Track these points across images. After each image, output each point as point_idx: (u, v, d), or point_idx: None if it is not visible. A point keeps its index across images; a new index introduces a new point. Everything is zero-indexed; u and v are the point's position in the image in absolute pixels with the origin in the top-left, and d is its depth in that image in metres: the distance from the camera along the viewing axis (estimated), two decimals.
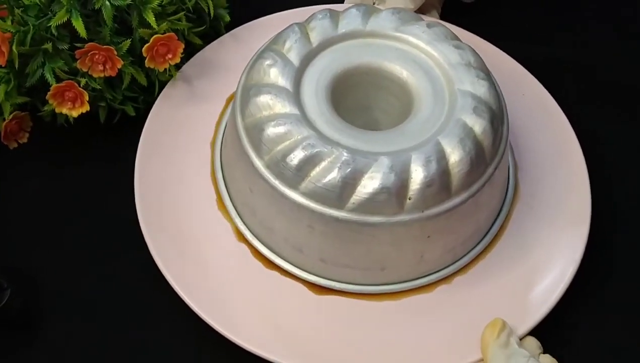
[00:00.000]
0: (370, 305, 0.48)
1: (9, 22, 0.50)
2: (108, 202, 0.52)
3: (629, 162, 0.57)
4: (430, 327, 0.47)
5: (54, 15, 0.49)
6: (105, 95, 0.53)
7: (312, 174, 0.44)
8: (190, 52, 0.56)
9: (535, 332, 0.46)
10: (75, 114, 0.51)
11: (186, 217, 0.50)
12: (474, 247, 0.49)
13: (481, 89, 0.47)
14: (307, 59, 0.48)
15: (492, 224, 0.50)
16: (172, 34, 0.52)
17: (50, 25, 0.49)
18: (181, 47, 0.52)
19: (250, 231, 0.49)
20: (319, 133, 0.45)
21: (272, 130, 0.45)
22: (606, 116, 0.59)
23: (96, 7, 0.50)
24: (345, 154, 0.44)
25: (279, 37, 0.49)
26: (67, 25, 0.50)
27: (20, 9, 0.50)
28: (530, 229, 0.51)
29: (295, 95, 0.47)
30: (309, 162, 0.44)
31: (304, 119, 0.46)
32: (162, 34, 0.51)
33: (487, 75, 0.48)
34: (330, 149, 0.44)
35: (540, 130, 0.55)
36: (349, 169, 0.43)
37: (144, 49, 0.51)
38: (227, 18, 0.58)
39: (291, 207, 0.45)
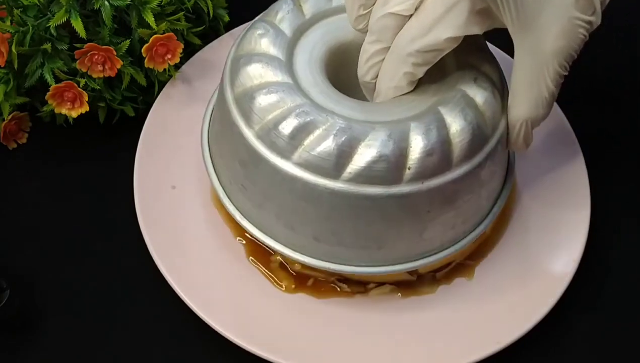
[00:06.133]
0: (369, 306, 0.48)
1: (8, 23, 0.50)
2: (107, 202, 0.52)
3: (629, 162, 0.57)
4: (430, 327, 0.47)
5: (53, 16, 0.49)
6: (104, 96, 0.53)
7: (305, 143, 0.42)
8: (189, 52, 0.56)
9: (534, 332, 0.46)
10: (74, 114, 0.51)
11: (186, 216, 0.50)
12: (474, 228, 0.48)
13: (481, 60, 0.45)
14: (300, 31, 0.47)
15: (492, 207, 0.49)
16: (172, 34, 0.52)
17: (50, 26, 0.49)
18: (180, 47, 0.52)
19: (240, 211, 0.47)
20: (313, 102, 0.44)
21: (263, 98, 0.43)
22: (606, 116, 0.59)
23: (95, 7, 0.50)
24: (341, 122, 0.42)
25: (271, 9, 0.48)
26: (66, 25, 0.50)
27: (19, 9, 0.50)
28: (529, 230, 0.51)
29: (288, 65, 0.45)
30: (303, 130, 0.42)
31: (297, 87, 0.44)
32: (161, 34, 0.51)
33: (486, 48, 0.47)
34: (325, 116, 0.42)
35: (539, 130, 0.54)
36: (345, 136, 0.41)
37: (143, 49, 0.51)
38: (227, 18, 0.58)
39: (284, 179, 0.43)
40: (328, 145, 0.42)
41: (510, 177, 0.49)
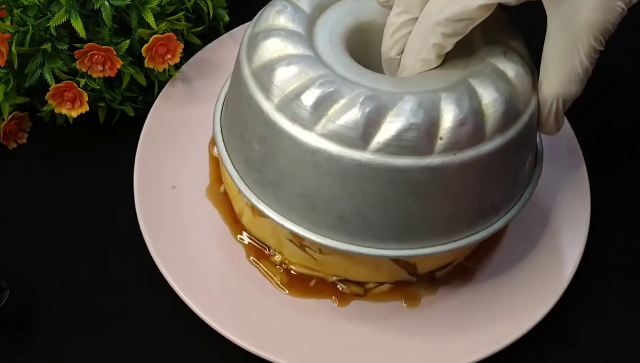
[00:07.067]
0: (369, 306, 0.48)
1: (8, 23, 0.50)
2: (107, 202, 0.52)
3: (629, 162, 0.57)
4: (430, 327, 0.47)
5: (53, 16, 0.49)
6: (104, 96, 0.53)
7: (330, 113, 0.39)
8: (189, 52, 0.56)
9: (535, 332, 0.46)
10: (74, 114, 0.51)
11: (186, 216, 0.50)
12: (504, 214, 0.45)
13: (509, 37, 0.44)
14: (319, 9, 0.45)
15: (522, 194, 0.46)
16: (172, 34, 0.52)
17: (50, 26, 0.49)
18: (180, 47, 0.52)
19: (256, 195, 0.44)
20: (336, 73, 0.41)
21: (284, 70, 0.41)
22: (607, 116, 0.59)
23: (95, 7, 0.50)
24: (367, 91, 0.40)
25: None
26: (66, 25, 0.50)
27: (19, 9, 0.50)
28: (529, 230, 0.51)
29: (308, 40, 0.43)
30: (327, 100, 0.40)
31: (319, 60, 0.42)
32: (161, 34, 0.51)
33: (512, 26, 0.45)
34: (350, 86, 0.40)
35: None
36: (372, 105, 0.39)
37: (143, 49, 0.51)
38: (227, 18, 0.58)
39: (306, 153, 0.40)
40: (354, 114, 0.39)
41: (538, 165, 0.47)
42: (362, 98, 0.39)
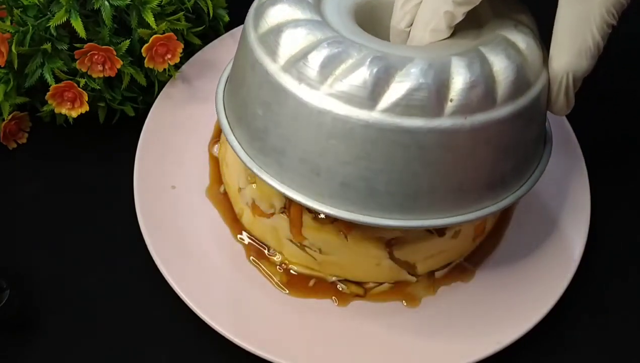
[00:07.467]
0: (369, 306, 0.48)
1: (8, 23, 0.50)
2: (107, 202, 0.52)
3: (629, 162, 0.57)
4: (430, 327, 0.47)
5: (53, 16, 0.49)
6: (104, 96, 0.53)
7: (337, 72, 0.39)
8: (189, 52, 0.56)
9: (535, 332, 0.46)
10: (74, 114, 0.51)
11: (186, 216, 0.50)
12: (513, 191, 0.44)
13: (518, 12, 0.44)
14: None
15: (531, 173, 0.45)
16: (172, 34, 0.52)
17: (50, 26, 0.49)
18: (180, 47, 0.52)
19: (258, 165, 0.43)
20: (345, 37, 0.40)
21: (291, 31, 0.40)
22: (606, 116, 0.59)
23: (95, 7, 0.50)
24: (376, 52, 0.39)
25: None
26: (66, 25, 0.50)
27: (19, 9, 0.50)
28: (529, 230, 0.51)
29: (316, 7, 0.42)
30: (335, 59, 0.39)
31: (327, 25, 0.41)
32: (161, 34, 0.51)
33: (521, 2, 0.45)
34: (358, 47, 0.39)
35: None
36: (381, 64, 0.38)
37: (143, 49, 0.51)
38: (226, 18, 0.58)
39: (311, 113, 0.39)
40: (363, 72, 0.38)
41: (548, 146, 0.47)
42: (370, 58, 0.39)
